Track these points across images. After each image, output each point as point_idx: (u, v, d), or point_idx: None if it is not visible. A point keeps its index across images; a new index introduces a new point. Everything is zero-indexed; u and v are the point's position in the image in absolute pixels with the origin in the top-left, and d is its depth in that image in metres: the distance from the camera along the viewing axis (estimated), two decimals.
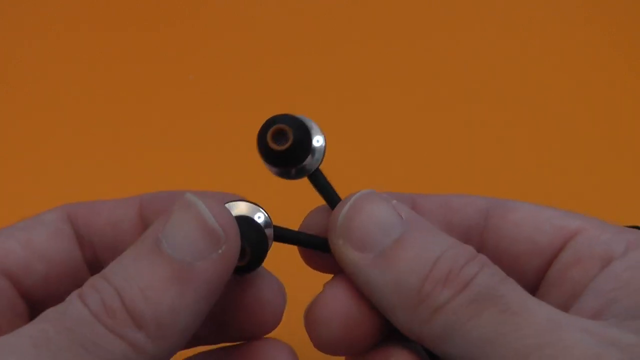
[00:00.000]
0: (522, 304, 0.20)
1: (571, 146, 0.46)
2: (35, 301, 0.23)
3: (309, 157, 0.23)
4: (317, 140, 0.23)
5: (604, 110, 0.48)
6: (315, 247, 0.24)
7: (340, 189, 0.24)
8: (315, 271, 0.25)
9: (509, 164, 0.45)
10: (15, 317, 0.23)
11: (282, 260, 0.25)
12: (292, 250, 0.25)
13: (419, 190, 0.26)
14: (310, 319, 0.22)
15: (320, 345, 0.22)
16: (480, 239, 0.24)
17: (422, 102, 0.49)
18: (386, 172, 0.45)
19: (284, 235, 0.23)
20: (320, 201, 0.24)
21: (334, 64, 0.51)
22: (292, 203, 0.28)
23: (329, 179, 0.24)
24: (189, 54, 0.52)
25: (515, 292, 0.20)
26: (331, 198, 0.24)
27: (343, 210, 0.22)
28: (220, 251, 0.20)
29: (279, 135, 0.22)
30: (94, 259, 0.25)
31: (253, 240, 0.22)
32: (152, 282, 0.19)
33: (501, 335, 0.19)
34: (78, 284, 0.22)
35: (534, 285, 0.24)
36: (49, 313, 0.19)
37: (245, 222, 0.22)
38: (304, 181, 0.24)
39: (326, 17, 0.55)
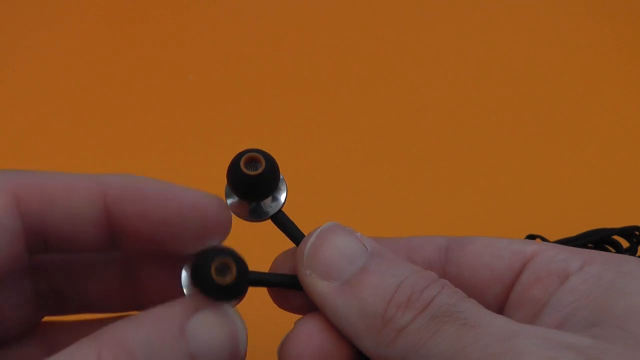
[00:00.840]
0: (479, 317, 0.21)
1: (571, 146, 0.46)
2: None
3: (270, 199, 0.24)
4: (281, 191, 0.25)
5: (605, 110, 0.48)
6: (286, 285, 0.24)
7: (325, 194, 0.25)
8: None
9: (510, 167, 0.45)
10: None
11: (254, 300, 0.26)
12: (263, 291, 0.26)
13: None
14: (284, 355, 0.23)
15: None
16: (442, 273, 0.25)
17: (422, 103, 0.49)
18: (383, 172, 0.45)
19: (256, 279, 0.24)
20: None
21: (335, 63, 0.51)
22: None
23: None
24: (188, 54, 0.52)
25: (473, 308, 0.21)
26: (296, 237, 0.25)
27: (309, 242, 0.23)
28: None
29: (252, 163, 0.23)
30: (42, 246, 0.23)
31: (238, 260, 0.22)
32: None
33: (460, 349, 0.20)
34: (12, 270, 0.22)
35: (499, 310, 0.24)
36: None
37: (228, 250, 0.22)
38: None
39: (327, 17, 0.55)
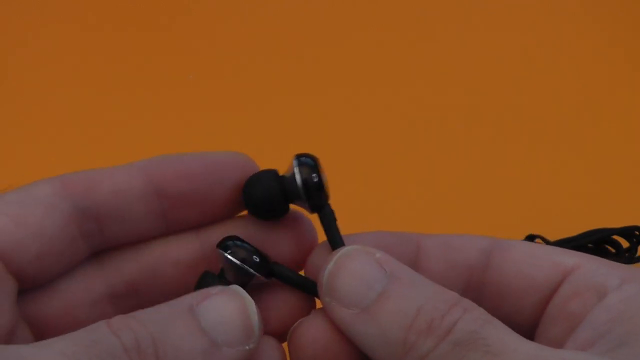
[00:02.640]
0: (503, 344, 0.20)
1: (572, 146, 0.46)
2: (24, 278, 0.23)
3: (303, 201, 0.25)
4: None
5: (605, 110, 0.48)
6: (309, 291, 0.25)
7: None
8: None
9: (510, 166, 0.45)
10: (2, 294, 0.22)
11: None
12: None
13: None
14: (293, 340, 0.23)
15: None
16: (483, 277, 0.25)
17: (425, 102, 0.49)
18: (391, 174, 0.45)
19: (280, 273, 0.24)
20: None
21: (335, 63, 0.51)
22: None
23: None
24: (189, 54, 0.52)
25: (497, 333, 0.21)
26: (333, 238, 0.24)
27: (326, 269, 0.23)
28: (247, 347, 0.22)
29: (254, 186, 0.24)
30: (96, 231, 0.24)
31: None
32: (185, 347, 0.20)
33: None
34: (72, 259, 0.24)
35: (535, 320, 0.24)
36: (80, 337, 0.20)
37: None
38: None
39: (327, 17, 0.55)
